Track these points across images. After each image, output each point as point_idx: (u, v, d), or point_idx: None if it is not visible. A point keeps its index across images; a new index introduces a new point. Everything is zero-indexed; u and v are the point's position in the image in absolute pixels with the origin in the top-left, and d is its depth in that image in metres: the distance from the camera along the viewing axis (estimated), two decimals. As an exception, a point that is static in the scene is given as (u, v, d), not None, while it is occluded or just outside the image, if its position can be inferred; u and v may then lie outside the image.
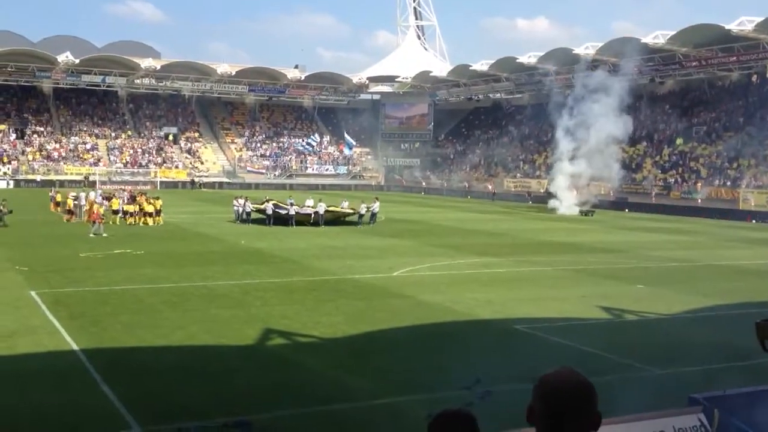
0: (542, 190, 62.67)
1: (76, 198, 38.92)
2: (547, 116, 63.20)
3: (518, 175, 72.36)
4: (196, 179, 76.34)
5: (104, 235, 30.12)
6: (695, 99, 67.23)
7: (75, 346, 13.41)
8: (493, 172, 75.82)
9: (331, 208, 38.11)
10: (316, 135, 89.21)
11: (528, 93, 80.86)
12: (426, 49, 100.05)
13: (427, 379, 12.16)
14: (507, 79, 79.74)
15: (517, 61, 73.18)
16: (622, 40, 61.19)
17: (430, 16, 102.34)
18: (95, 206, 32.77)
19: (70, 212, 37.46)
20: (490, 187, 71.31)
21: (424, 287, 20.46)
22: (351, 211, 38.63)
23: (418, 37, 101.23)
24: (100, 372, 11.91)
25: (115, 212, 36.41)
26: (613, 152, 53.10)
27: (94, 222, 30.92)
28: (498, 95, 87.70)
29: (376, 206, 38.45)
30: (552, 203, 53.23)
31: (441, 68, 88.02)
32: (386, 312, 17.21)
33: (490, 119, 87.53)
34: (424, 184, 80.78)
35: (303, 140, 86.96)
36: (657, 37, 60.33)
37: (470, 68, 79.92)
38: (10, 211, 33.82)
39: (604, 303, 18.62)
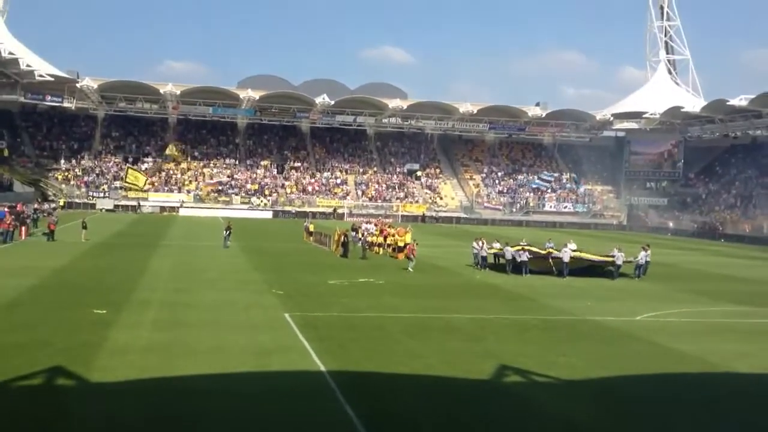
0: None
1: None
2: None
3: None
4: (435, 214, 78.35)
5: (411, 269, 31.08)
6: None
7: (322, 367, 14.22)
8: (750, 214, 69.49)
9: (577, 254, 32.39)
10: (551, 171, 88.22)
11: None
12: (677, 84, 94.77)
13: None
14: (770, 115, 73.12)
15: (783, 94, 66.98)
16: None
17: (683, 50, 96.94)
18: (412, 242, 34.04)
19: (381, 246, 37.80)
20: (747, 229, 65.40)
21: (671, 334, 19.13)
22: (605, 259, 32.24)
23: (669, 72, 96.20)
24: (343, 392, 12.51)
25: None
26: None
27: (409, 258, 31.94)
28: (758, 132, 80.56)
29: (643, 256, 32.16)
30: None
31: (693, 104, 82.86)
32: (629, 358, 16.29)
33: (748, 158, 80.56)
34: (671, 224, 76.01)
35: (536, 176, 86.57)
36: None
37: (727, 103, 74.53)
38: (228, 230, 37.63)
39: None
